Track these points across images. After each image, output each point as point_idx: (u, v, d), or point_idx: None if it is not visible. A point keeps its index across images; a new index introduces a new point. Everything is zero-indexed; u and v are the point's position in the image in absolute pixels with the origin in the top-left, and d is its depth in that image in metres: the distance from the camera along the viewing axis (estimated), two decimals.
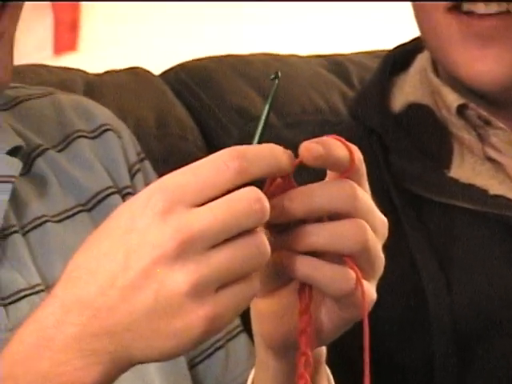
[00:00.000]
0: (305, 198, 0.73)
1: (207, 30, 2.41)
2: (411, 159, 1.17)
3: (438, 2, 1.15)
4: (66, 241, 0.94)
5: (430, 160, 1.18)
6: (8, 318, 0.89)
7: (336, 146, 0.73)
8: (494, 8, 1.13)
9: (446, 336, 1.11)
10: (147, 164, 1.12)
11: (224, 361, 1.06)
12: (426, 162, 1.17)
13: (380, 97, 1.23)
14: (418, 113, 1.21)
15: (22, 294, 0.90)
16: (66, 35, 2.41)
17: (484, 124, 1.17)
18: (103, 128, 1.07)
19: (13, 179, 0.96)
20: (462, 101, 1.16)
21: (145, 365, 0.81)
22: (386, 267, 0.89)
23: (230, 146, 0.69)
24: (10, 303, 0.91)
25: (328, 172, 0.75)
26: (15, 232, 0.95)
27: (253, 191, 0.67)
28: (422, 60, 1.24)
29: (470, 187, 1.14)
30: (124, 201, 0.98)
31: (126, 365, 0.70)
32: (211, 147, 1.28)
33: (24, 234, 0.96)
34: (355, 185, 0.73)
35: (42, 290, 0.91)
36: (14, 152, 0.98)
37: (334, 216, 0.73)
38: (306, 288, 0.74)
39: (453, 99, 1.17)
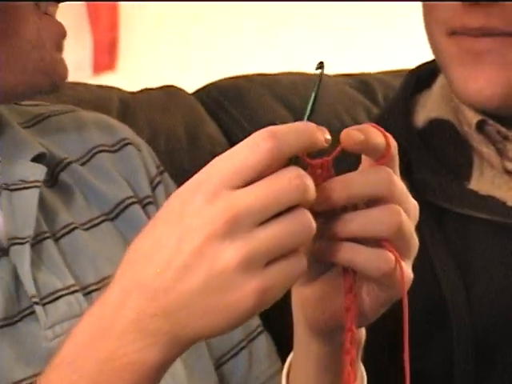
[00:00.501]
0: (346, 186, 0.75)
1: (238, 50, 2.44)
2: (433, 172, 1.18)
3: (441, 28, 1.17)
4: (93, 247, 0.97)
5: (451, 173, 1.19)
6: (47, 316, 0.91)
7: (374, 133, 0.75)
8: (487, 39, 1.16)
9: (465, 344, 1.12)
10: (166, 176, 1.14)
11: (248, 360, 1.07)
12: (447, 175, 1.18)
13: (403, 113, 1.25)
14: (440, 128, 1.22)
15: (59, 294, 0.93)
16: (105, 55, 2.44)
17: (503, 139, 1.18)
18: (123, 142, 1.10)
19: (38, 183, 0.99)
20: (480, 117, 1.18)
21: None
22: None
23: None
24: (48, 302, 0.93)
25: (363, 160, 0.78)
26: (48, 238, 0.97)
27: (292, 169, 0.70)
28: (443, 78, 1.24)
29: (490, 199, 1.15)
30: (145, 210, 1.03)
31: (182, 345, 0.72)
32: None
33: (56, 240, 0.98)
34: (391, 171, 0.76)
35: (77, 291, 0.93)
36: (37, 159, 1.01)
37: (370, 202, 0.76)
38: (349, 269, 0.77)
39: (472, 116, 1.19)
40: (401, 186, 0.77)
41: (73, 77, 1.80)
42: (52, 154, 1.04)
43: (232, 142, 1.32)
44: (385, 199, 0.75)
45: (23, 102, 1.10)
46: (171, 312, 0.71)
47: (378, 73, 1.54)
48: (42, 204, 0.99)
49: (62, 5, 1.93)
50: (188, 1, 2.63)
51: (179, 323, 0.71)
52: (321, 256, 0.77)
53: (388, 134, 0.76)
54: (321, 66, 0.75)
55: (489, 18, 1.13)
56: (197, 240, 0.69)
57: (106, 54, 2.40)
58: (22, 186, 0.99)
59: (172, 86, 1.38)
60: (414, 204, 0.78)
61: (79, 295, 0.92)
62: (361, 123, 0.90)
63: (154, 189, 1.03)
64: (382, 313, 0.81)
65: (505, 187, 1.17)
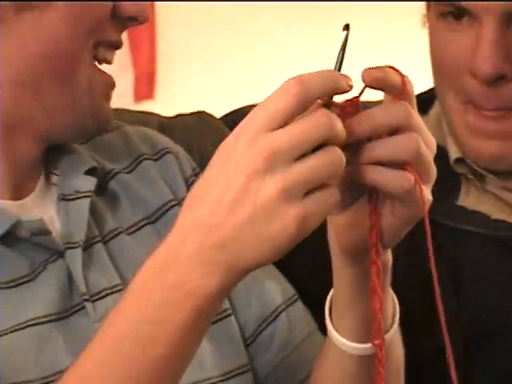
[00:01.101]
0: (370, 119, 0.81)
1: (259, 80, 2.46)
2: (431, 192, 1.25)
3: (456, 96, 1.23)
4: (136, 250, 1.02)
5: (443, 192, 1.18)
6: (95, 311, 0.97)
7: (391, 73, 0.81)
8: (497, 113, 1.22)
9: (455, 335, 1.09)
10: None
11: (287, 322, 1.10)
12: (439, 194, 1.22)
13: None
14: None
15: (106, 292, 0.98)
16: (144, 86, 2.47)
17: (479, 175, 1.26)
18: (163, 151, 1.15)
19: (89, 194, 1.04)
20: (459, 155, 1.26)
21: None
22: (406, 274, 1.11)
23: None
24: (96, 299, 1.00)
25: (384, 97, 0.84)
26: (98, 242, 1.03)
27: (320, 110, 0.76)
28: (437, 107, 1.31)
29: (476, 213, 1.22)
30: None
31: (238, 273, 0.78)
32: None
33: (104, 243, 1.04)
34: (408, 105, 0.81)
35: (122, 289, 0.97)
36: (90, 172, 1.06)
37: (392, 133, 0.81)
38: (374, 192, 0.83)
39: (453, 151, 1.27)
40: (418, 118, 0.82)
41: (116, 103, 1.87)
42: (102, 166, 1.09)
43: None
44: (404, 129, 0.80)
45: None
46: (226, 244, 0.76)
47: (379, 100, 1.53)
48: (93, 211, 1.04)
49: None
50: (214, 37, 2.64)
51: (234, 253, 0.77)
52: (350, 179, 0.82)
53: (404, 74, 0.81)
54: (347, 27, 0.80)
55: (503, 99, 1.20)
56: (242, 178, 0.75)
57: (145, 85, 2.42)
58: (76, 196, 1.04)
59: (203, 112, 1.41)
60: (431, 137, 0.83)
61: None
62: None
63: (188, 187, 1.07)
64: (405, 231, 0.88)
65: (488, 203, 1.25)
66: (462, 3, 1.19)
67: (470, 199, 1.26)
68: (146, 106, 2.30)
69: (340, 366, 0.99)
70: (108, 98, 1.04)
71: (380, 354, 0.87)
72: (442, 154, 1.21)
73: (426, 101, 1.33)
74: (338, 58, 0.81)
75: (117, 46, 1.03)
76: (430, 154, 0.82)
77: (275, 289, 1.11)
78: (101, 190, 1.07)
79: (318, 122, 0.74)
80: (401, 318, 0.97)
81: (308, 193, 0.75)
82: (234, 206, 0.75)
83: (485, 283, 1.22)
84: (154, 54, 2.39)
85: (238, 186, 0.75)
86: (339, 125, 0.76)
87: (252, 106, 1.21)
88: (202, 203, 0.77)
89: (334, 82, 0.77)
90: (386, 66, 0.80)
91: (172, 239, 0.80)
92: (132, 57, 2.32)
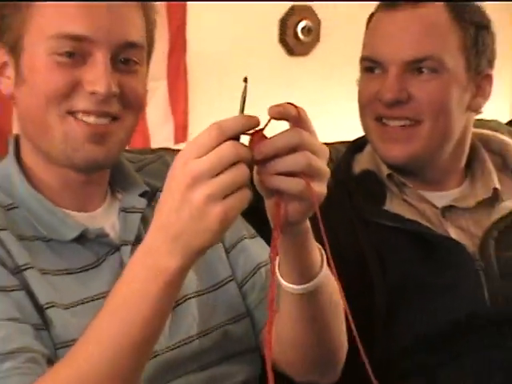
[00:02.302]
0: (272, 144, 0.86)
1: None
2: (363, 200, 1.43)
3: (371, 115, 1.42)
4: None
5: (374, 201, 1.42)
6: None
7: (289, 107, 0.86)
8: (398, 123, 1.40)
9: (380, 295, 1.33)
10: None
11: (264, 274, 1.20)
12: (371, 202, 1.43)
13: (347, 166, 1.49)
14: (367, 175, 1.47)
15: None
16: (180, 131, 2.49)
17: (401, 184, 1.44)
18: None
19: (141, 210, 1.17)
20: (389, 171, 1.44)
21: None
22: (349, 258, 1.27)
23: None
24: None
25: (288, 125, 0.88)
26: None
27: (229, 142, 0.82)
28: (369, 147, 1.50)
29: (395, 214, 1.40)
30: None
31: (192, 255, 0.87)
32: None
33: None
34: (300, 130, 0.86)
35: None
36: (142, 195, 1.20)
37: (292, 150, 0.86)
38: (279, 194, 0.89)
39: (385, 169, 1.45)
40: (308, 137, 0.87)
41: (162, 145, 1.78)
42: (151, 188, 1.20)
43: None
44: (299, 147, 0.86)
45: (133, 157, 1.28)
46: (178, 237, 0.85)
47: (334, 142, 1.64)
48: (143, 220, 1.16)
49: (154, 102, 1.94)
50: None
51: (185, 243, 0.85)
52: (262, 184, 0.88)
53: (299, 107, 0.87)
54: (245, 79, 0.85)
55: (401, 111, 1.38)
56: (179, 192, 0.83)
57: (181, 130, 2.45)
58: (132, 210, 1.17)
59: None
60: (321, 146, 0.88)
61: None
62: None
63: None
64: (307, 216, 0.93)
65: (404, 208, 1.42)
66: (376, 58, 1.39)
67: (392, 205, 1.42)
68: (182, 146, 2.17)
69: (285, 302, 1.05)
70: (93, 141, 1.07)
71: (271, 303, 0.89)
72: (373, 176, 1.46)
73: (361, 144, 1.53)
74: (240, 103, 0.86)
75: (95, 103, 1.06)
76: (319, 161, 0.88)
77: (258, 253, 1.22)
78: (150, 203, 1.18)
79: (226, 150, 0.81)
80: (342, 280, 1.00)
81: (227, 196, 0.82)
82: (178, 212, 0.83)
83: (399, 259, 1.36)
84: (187, 106, 2.42)
85: (178, 197, 0.83)
86: (243, 150, 0.83)
87: None
88: (161, 212, 0.87)
89: (243, 124, 0.84)
90: (285, 103, 0.86)
91: (147, 238, 0.89)
92: (172, 110, 2.36)
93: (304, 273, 1.00)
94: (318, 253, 1.00)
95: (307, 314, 1.04)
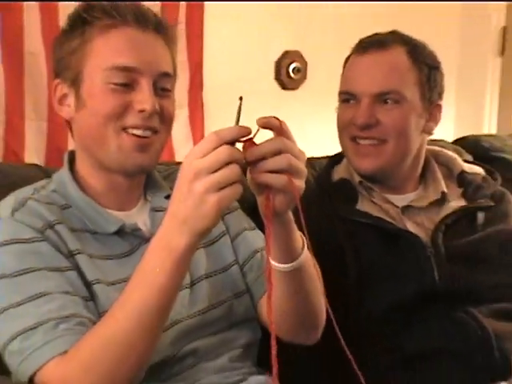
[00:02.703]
0: (260, 149, 0.86)
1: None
2: (341, 202, 1.43)
3: (347, 135, 1.40)
4: None
5: (348, 202, 1.43)
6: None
7: (273, 119, 0.87)
8: (368, 142, 1.40)
9: (353, 277, 1.33)
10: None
11: (260, 257, 1.20)
12: (346, 203, 1.43)
13: (327, 175, 1.50)
14: (343, 181, 1.47)
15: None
16: None
17: (369, 189, 1.44)
18: None
19: (165, 210, 1.01)
20: (360, 179, 1.44)
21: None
22: (330, 247, 1.25)
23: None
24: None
25: (273, 133, 0.88)
26: None
27: (225, 146, 0.83)
28: (346, 160, 1.50)
29: (365, 212, 1.40)
30: None
31: (197, 236, 0.86)
32: None
33: None
34: (282, 138, 0.87)
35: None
36: (167, 197, 1.16)
37: (277, 153, 0.86)
38: (268, 189, 0.88)
39: (357, 177, 1.45)
40: (289, 144, 0.86)
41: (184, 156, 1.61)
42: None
43: None
44: (281, 151, 0.86)
45: (161, 168, 1.27)
46: (186, 221, 0.85)
47: (318, 157, 1.68)
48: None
49: (177, 126, 1.80)
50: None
51: (191, 225, 0.85)
52: (254, 182, 0.88)
53: (281, 120, 0.87)
54: (240, 98, 0.85)
55: (371, 132, 1.38)
56: (185, 185, 0.84)
57: None
58: (159, 209, 1.16)
59: None
60: (300, 151, 0.88)
61: None
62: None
63: None
64: (290, 207, 0.92)
65: (372, 208, 1.42)
66: (351, 91, 1.39)
67: (362, 205, 1.42)
68: None
69: (275, 279, 0.98)
70: (140, 150, 1.08)
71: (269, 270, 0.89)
72: (348, 183, 1.46)
73: (338, 158, 1.53)
74: (236, 116, 0.86)
75: (142, 120, 1.07)
76: (299, 162, 0.87)
77: (256, 241, 1.21)
78: None
79: (221, 153, 0.82)
80: (324, 264, 1.05)
81: (222, 188, 0.83)
82: (185, 201, 0.84)
83: (368, 247, 1.35)
84: (203, 129, 2.37)
85: (184, 190, 0.84)
86: (236, 152, 0.83)
87: None
88: (172, 202, 0.87)
89: (236, 132, 0.84)
90: (271, 116, 0.87)
91: (162, 224, 0.90)
92: (191, 132, 2.34)
93: (289, 255, 0.99)
94: (299, 239, 0.99)
95: (292, 287, 1.03)
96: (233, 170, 0.82)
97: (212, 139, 0.83)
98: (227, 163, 0.82)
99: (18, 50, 1.88)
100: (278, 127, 0.85)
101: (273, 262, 0.98)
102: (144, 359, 0.94)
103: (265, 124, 0.85)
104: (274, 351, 0.80)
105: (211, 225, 0.84)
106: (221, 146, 0.82)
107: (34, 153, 1.95)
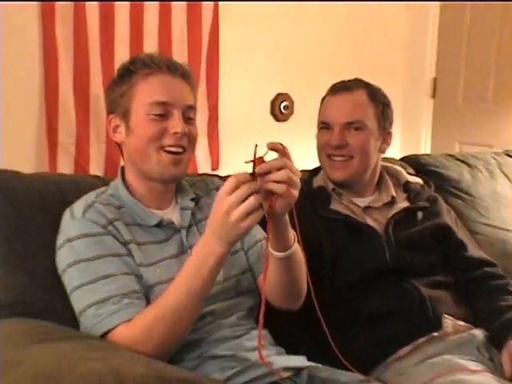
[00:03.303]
0: (268, 165, 0.86)
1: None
2: (320, 203, 1.36)
3: (325, 153, 1.34)
4: (204, 228, 0.94)
5: (324, 203, 1.38)
6: (191, 254, 0.93)
7: (279, 144, 0.87)
8: (340, 159, 1.35)
9: (328, 260, 1.29)
10: None
11: (261, 246, 1.15)
12: (323, 204, 1.38)
13: (308, 184, 1.44)
14: (320, 188, 1.41)
15: (195, 245, 0.93)
16: (215, 163, 2.34)
17: (340, 193, 1.40)
18: (213, 190, 1.19)
19: (191, 208, 1.12)
20: (333, 186, 1.40)
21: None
22: (311, 238, 1.16)
23: None
24: (191, 248, 1.04)
25: (278, 154, 0.87)
26: (193, 225, 1.11)
27: (245, 184, 0.82)
28: (322, 172, 1.44)
29: (336, 211, 1.36)
30: None
31: (229, 246, 0.88)
32: None
33: (196, 226, 1.12)
34: (285, 158, 0.86)
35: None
36: (192, 199, 1.15)
37: (279, 169, 0.86)
38: (272, 194, 0.86)
39: (330, 185, 1.40)
40: (289, 162, 0.85)
41: (204, 171, 1.71)
42: (197, 196, 1.17)
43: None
44: (282, 167, 0.85)
45: (187, 178, 1.20)
46: (223, 237, 0.87)
47: (303, 170, 1.51)
48: (193, 214, 1.13)
49: (200, 148, 1.79)
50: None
51: (226, 239, 0.87)
52: (262, 187, 0.86)
53: (284, 145, 0.86)
54: (255, 145, 0.84)
55: (342, 151, 1.33)
56: (221, 216, 0.84)
57: (215, 164, 2.33)
58: (186, 208, 1.13)
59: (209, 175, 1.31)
60: (296, 169, 0.87)
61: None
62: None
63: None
64: (287, 209, 0.90)
65: (341, 207, 1.38)
66: (326, 121, 1.34)
67: (335, 206, 1.38)
68: (216, 172, 2.00)
69: (272, 263, 1.00)
70: (174, 164, 1.05)
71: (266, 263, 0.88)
72: (324, 189, 1.40)
73: (316, 170, 1.48)
74: (253, 158, 0.85)
75: (176, 140, 1.04)
76: (295, 176, 0.86)
77: (258, 234, 1.16)
78: (197, 204, 1.15)
79: (243, 189, 0.83)
80: (306, 250, 1.02)
81: (249, 214, 0.83)
82: (222, 226, 0.85)
83: (339, 237, 1.32)
84: (218, 151, 2.32)
85: (220, 219, 0.85)
86: (253, 186, 0.82)
87: None
88: (211, 224, 0.87)
89: (244, 177, 0.84)
90: (277, 142, 0.86)
91: (203, 237, 0.90)
92: (209, 152, 2.28)
93: (283, 245, 0.97)
94: (292, 234, 0.98)
95: (285, 270, 1.02)
96: (254, 200, 0.82)
97: (234, 180, 0.83)
98: (249, 194, 0.81)
99: (85, 93, 1.95)
100: (281, 150, 0.85)
101: (272, 251, 0.97)
102: (189, 327, 0.93)
103: (272, 147, 0.85)
104: (262, 309, 0.83)
105: (240, 239, 0.87)
106: (242, 183, 0.81)
107: (96, 167, 1.99)
